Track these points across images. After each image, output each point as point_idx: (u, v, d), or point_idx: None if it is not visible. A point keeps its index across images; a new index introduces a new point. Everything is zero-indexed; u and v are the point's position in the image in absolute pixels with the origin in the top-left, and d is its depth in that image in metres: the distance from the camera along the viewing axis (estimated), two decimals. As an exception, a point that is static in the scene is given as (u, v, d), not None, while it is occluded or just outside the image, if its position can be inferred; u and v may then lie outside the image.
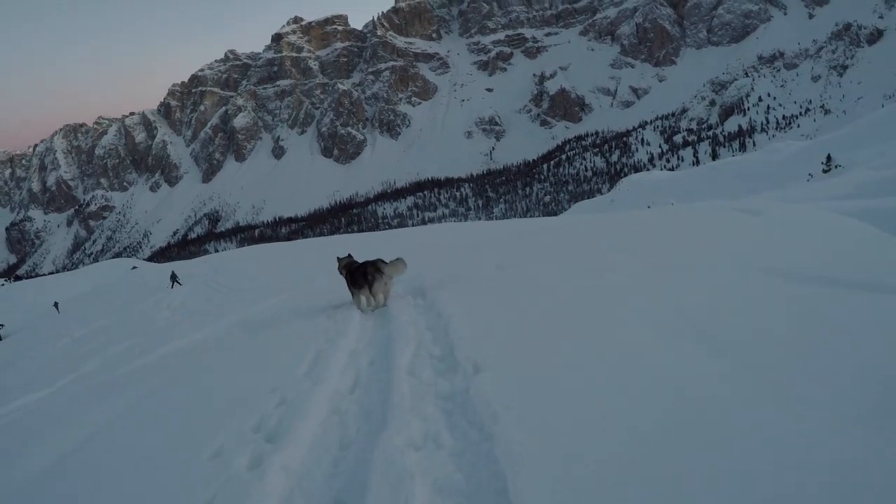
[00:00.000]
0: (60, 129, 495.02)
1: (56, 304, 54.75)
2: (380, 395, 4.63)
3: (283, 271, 22.59)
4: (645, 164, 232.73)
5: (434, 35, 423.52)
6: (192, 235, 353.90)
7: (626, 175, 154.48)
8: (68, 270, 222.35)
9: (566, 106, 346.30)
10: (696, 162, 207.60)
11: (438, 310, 6.61)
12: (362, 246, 25.66)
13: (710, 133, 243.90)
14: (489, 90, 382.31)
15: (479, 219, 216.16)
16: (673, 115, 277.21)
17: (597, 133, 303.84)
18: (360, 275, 8.24)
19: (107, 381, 8.91)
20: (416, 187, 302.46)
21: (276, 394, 4.95)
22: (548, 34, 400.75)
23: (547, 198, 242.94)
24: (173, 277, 36.98)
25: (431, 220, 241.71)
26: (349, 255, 9.12)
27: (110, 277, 72.62)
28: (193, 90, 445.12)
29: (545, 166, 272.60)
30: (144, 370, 8.62)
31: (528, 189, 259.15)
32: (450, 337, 5.47)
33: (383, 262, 8.29)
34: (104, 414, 6.09)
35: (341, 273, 8.83)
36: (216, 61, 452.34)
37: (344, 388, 4.99)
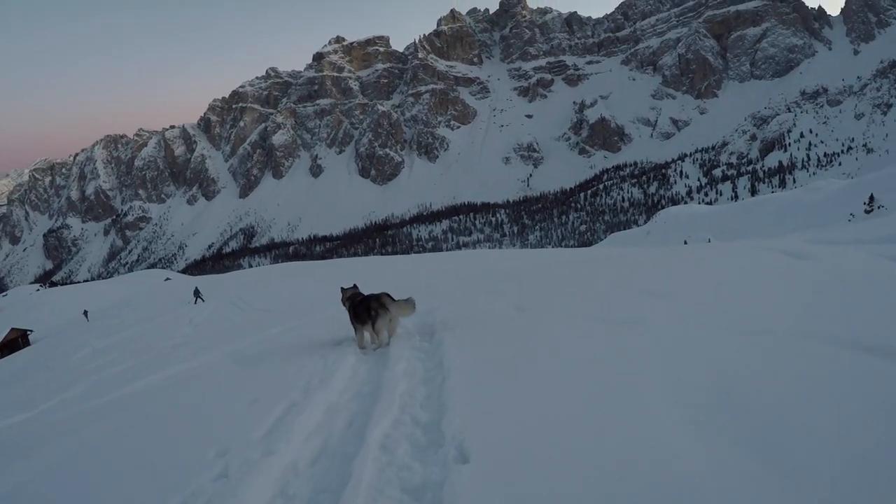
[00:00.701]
0: (101, 140, 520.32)
1: (86, 313, 59.73)
2: (340, 476, 4.07)
3: (307, 292, 23.62)
4: (683, 197, 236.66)
5: (475, 59, 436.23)
6: (227, 249, 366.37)
7: (663, 207, 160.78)
8: (103, 279, 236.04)
9: (605, 135, 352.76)
10: (735, 197, 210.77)
11: (440, 357, 6.28)
12: (388, 270, 29.50)
13: (750, 168, 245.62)
14: (529, 116, 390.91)
15: (514, 245, 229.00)
16: (713, 148, 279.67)
17: (635, 163, 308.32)
18: (363, 309, 8.00)
19: (73, 415, 9.12)
20: (452, 211, 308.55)
21: (220, 461, 4.49)
22: (589, 62, 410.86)
23: (583, 227, 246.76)
24: (196, 293, 39.13)
25: (466, 245, 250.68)
26: (354, 286, 8.98)
27: (143, 288, 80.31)
28: (234, 106, 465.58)
29: (582, 195, 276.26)
30: (113, 405, 8.85)
31: (564, 217, 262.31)
32: (443, 398, 4.98)
33: (390, 297, 8.00)
34: (33, 464, 6.09)
35: (344, 305, 8.63)
36: (257, 78, 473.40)
37: (304, 460, 4.42)
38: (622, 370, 5.18)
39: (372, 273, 28.72)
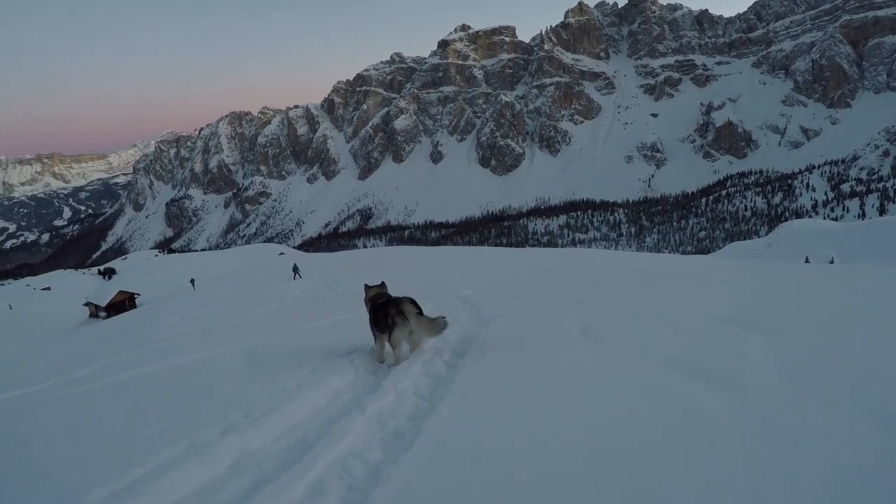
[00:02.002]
0: (226, 116, 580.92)
1: (192, 281, 64.91)
2: None
3: (405, 277, 23.39)
4: (807, 211, 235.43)
5: (602, 54, 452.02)
6: (344, 229, 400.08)
7: (786, 220, 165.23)
8: (220, 249, 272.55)
9: (731, 140, 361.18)
10: (862, 215, 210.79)
11: (445, 400, 5.41)
12: (489, 261, 29.06)
13: (881, 185, 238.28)
14: (654, 115, 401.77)
15: (630, 247, 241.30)
16: (843, 161, 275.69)
17: (761, 171, 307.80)
18: (382, 315, 7.30)
19: (47, 400, 8.61)
20: (570, 207, 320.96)
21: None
22: (719, 63, 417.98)
23: (702, 233, 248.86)
24: (295, 269, 41.69)
25: (582, 243, 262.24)
26: (381, 284, 8.24)
27: (255, 261, 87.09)
28: (357, 89, 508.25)
29: (703, 200, 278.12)
30: (90, 394, 8.38)
31: (683, 222, 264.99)
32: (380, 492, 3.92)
33: (413, 305, 7.27)
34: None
35: (366, 305, 7.89)
36: (382, 62, 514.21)
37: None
38: (707, 467, 3.89)
39: (471, 262, 28.95)
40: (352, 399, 6.05)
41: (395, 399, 5.74)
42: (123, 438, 5.36)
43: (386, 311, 7.25)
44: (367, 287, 8.20)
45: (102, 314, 68.33)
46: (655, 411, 4.73)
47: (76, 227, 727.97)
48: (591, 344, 6.98)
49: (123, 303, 70.20)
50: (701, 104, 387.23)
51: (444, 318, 7.42)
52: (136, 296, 73.10)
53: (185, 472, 4.41)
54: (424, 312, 7.95)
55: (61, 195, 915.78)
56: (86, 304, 75.40)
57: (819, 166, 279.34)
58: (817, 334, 6.52)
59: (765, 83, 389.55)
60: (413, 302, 7.30)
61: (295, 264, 45.65)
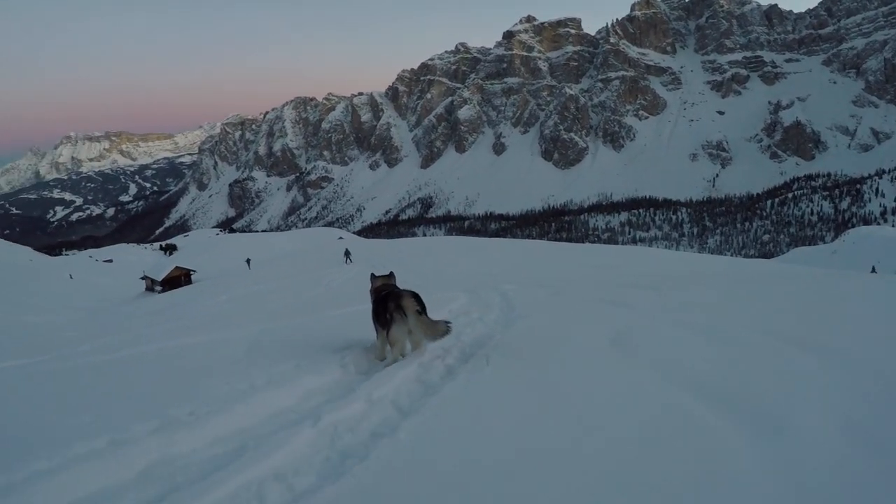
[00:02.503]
0: (291, 101, 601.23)
1: (248, 261, 67.28)
2: None
3: (454, 269, 23.12)
4: (876, 218, 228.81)
5: (668, 48, 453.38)
6: (404, 217, 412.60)
7: (853, 226, 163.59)
8: (281, 231, 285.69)
9: (799, 140, 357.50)
10: None
11: (412, 417, 4.79)
12: (543, 257, 28.76)
13: None
14: (720, 113, 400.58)
15: (692, 248, 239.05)
16: None
17: (829, 175, 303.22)
18: (382, 308, 6.74)
19: (24, 373, 8.98)
20: (632, 204, 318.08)
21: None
22: (788, 60, 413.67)
23: (766, 236, 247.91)
24: (346, 254, 42.86)
25: (643, 241, 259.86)
26: (390, 275, 7.65)
27: (313, 244, 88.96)
28: (422, 78, 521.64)
29: (769, 202, 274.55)
30: (70, 371, 8.44)
31: (747, 224, 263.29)
32: None
33: (415, 300, 6.60)
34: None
35: (371, 297, 7.31)
36: (446, 52, 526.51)
37: None
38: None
39: (523, 256, 28.66)
40: (322, 403, 5.45)
41: (365, 409, 5.18)
42: (54, 424, 5.09)
43: (386, 304, 6.73)
44: (373, 277, 7.65)
45: (158, 288, 71.44)
46: (664, 460, 3.89)
47: (141, 203, 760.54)
48: (615, 358, 6.12)
49: (179, 278, 73.63)
50: (769, 103, 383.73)
51: (448, 322, 6.75)
52: (192, 272, 76.53)
53: (87, 472, 4.00)
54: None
55: (128, 172, 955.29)
56: (143, 278, 79.49)
57: (889, 171, 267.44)
58: (884, 360, 5.47)
59: (835, 82, 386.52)
60: (416, 297, 6.67)
61: (347, 249, 47.40)
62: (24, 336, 24.39)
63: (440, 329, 6.56)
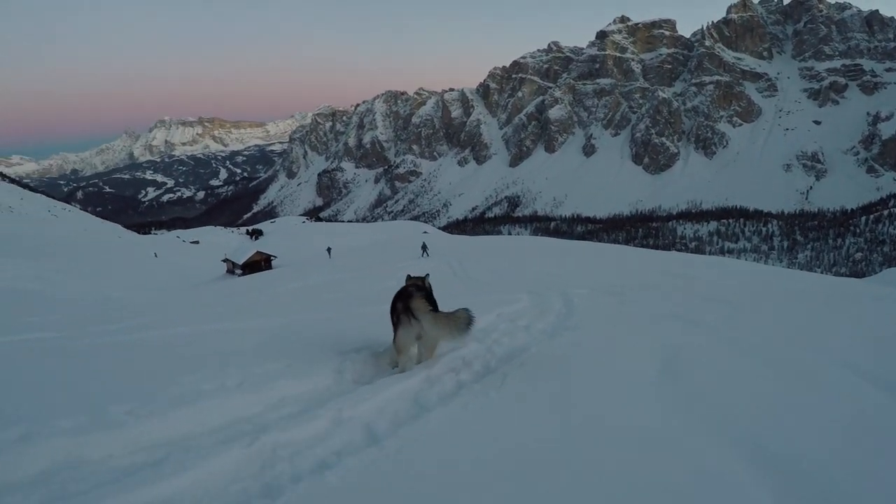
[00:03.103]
0: (382, 94, 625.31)
1: (329, 250, 69.60)
2: None
3: (526, 269, 22.75)
4: None
5: (765, 53, 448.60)
6: (490, 214, 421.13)
7: None
8: (367, 222, 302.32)
9: None
10: None
11: (357, 456, 4.16)
12: (632, 260, 27.01)
13: None
14: (817, 123, 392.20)
15: (781, 262, 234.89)
16: None
17: None
18: (392, 308, 6.54)
19: (29, 347, 9.44)
20: (722, 213, 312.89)
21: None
22: (889, 69, 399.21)
23: (858, 255, 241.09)
24: (423, 247, 45.26)
25: (731, 252, 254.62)
26: (426, 276, 7.24)
27: (397, 236, 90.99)
28: (513, 76, 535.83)
29: (863, 219, 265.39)
30: (71, 350, 8.71)
31: (839, 240, 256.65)
32: None
33: (424, 298, 6.31)
34: None
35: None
36: (539, 51, 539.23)
37: None
38: None
39: (604, 261, 26.80)
40: (288, 416, 5.00)
41: (326, 429, 4.59)
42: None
43: (395, 305, 6.45)
44: (407, 277, 7.19)
45: (238, 272, 72.49)
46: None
47: (230, 188, 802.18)
48: (658, 395, 5.29)
49: (259, 263, 75.27)
50: (868, 114, 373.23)
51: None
52: (272, 258, 78.24)
53: None
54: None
55: (219, 157, 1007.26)
56: (224, 261, 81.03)
57: None
58: None
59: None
60: (423, 294, 6.34)
61: (424, 242, 48.69)
62: (90, 309, 25.34)
63: (459, 323, 6.02)
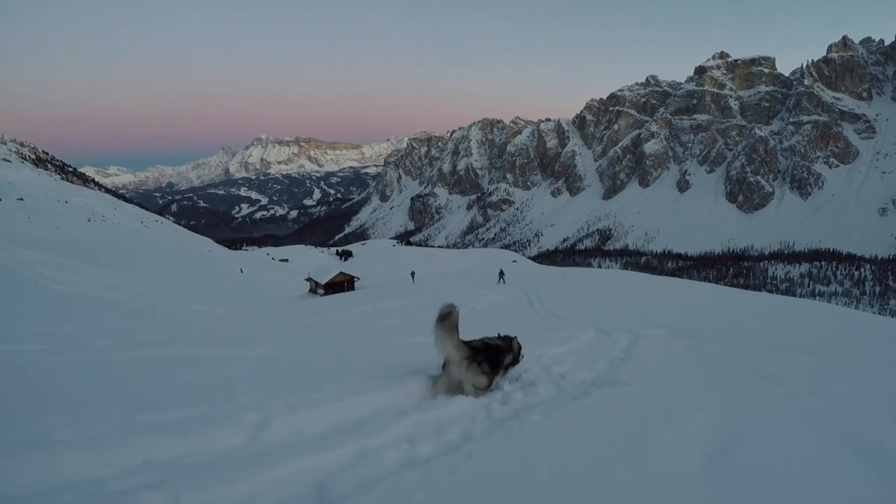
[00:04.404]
0: (478, 122, 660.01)
1: (413, 274, 73.23)
2: None
3: (609, 304, 23.12)
4: None
5: (864, 94, 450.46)
6: (581, 247, 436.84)
7: None
8: (457, 248, 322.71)
9: None
10: None
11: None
12: (720, 299, 26.35)
13: None
14: None
15: (872, 307, 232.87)
16: None
17: None
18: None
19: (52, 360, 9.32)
20: (814, 255, 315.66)
21: None
22: None
23: None
24: (501, 274, 48.62)
25: (822, 295, 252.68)
26: (509, 338, 7.71)
27: (485, 263, 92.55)
28: (610, 108, 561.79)
29: None
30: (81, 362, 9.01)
31: None
32: None
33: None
34: None
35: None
36: (636, 84, 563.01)
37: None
38: None
39: (691, 299, 26.27)
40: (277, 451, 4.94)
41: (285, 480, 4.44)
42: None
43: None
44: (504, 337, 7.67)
45: (320, 291, 74.41)
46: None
47: (323, 208, 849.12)
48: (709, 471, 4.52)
49: (342, 283, 76.68)
50: None
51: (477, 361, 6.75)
52: (355, 279, 79.58)
53: None
54: (538, 356, 8.90)
55: (313, 177, 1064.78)
56: (307, 280, 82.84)
57: None
58: None
59: None
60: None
61: (501, 270, 51.26)
62: (165, 320, 26.20)
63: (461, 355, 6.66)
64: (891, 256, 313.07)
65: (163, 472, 4.31)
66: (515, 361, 7.79)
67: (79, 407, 5.81)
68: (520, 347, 7.86)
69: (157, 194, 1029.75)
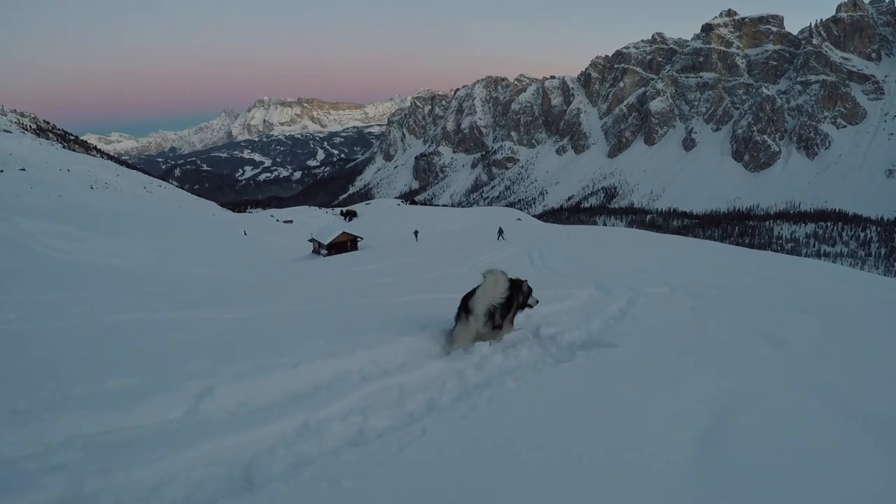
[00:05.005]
0: (482, 80, 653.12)
1: (416, 233, 74.60)
2: None
3: (613, 261, 22.84)
4: None
5: (873, 55, 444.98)
6: (586, 205, 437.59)
7: None
8: (462, 206, 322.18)
9: None
10: None
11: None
12: (729, 258, 26.29)
13: None
14: None
15: (877, 268, 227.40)
16: None
17: None
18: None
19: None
20: (820, 215, 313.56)
21: None
22: None
23: None
24: (500, 232, 49.22)
25: (827, 255, 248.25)
26: (517, 281, 7.65)
27: (488, 221, 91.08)
28: (616, 66, 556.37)
29: None
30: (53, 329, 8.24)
31: None
32: None
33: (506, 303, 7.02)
34: None
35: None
36: (642, 41, 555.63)
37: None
38: None
39: (697, 257, 26.15)
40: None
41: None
42: None
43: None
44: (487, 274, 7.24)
45: (324, 252, 73.71)
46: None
47: (327, 168, 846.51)
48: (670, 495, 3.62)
49: (345, 244, 75.82)
50: None
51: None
52: (358, 239, 79.15)
53: None
54: (535, 314, 8.60)
55: (317, 138, 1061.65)
56: (310, 241, 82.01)
57: None
58: None
59: None
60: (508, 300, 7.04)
61: (500, 227, 52.60)
62: (163, 284, 23.43)
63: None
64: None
65: (82, 450, 3.94)
66: (524, 305, 7.80)
67: (11, 379, 5.36)
68: (530, 290, 7.84)
69: (160, 159, 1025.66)
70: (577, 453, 4.11)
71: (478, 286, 7.06)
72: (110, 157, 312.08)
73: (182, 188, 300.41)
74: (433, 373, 6.00)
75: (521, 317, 8.05)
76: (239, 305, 11.56)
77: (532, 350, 6.97)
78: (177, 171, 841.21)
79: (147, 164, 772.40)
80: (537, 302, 8.15)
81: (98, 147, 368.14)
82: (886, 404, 5.13)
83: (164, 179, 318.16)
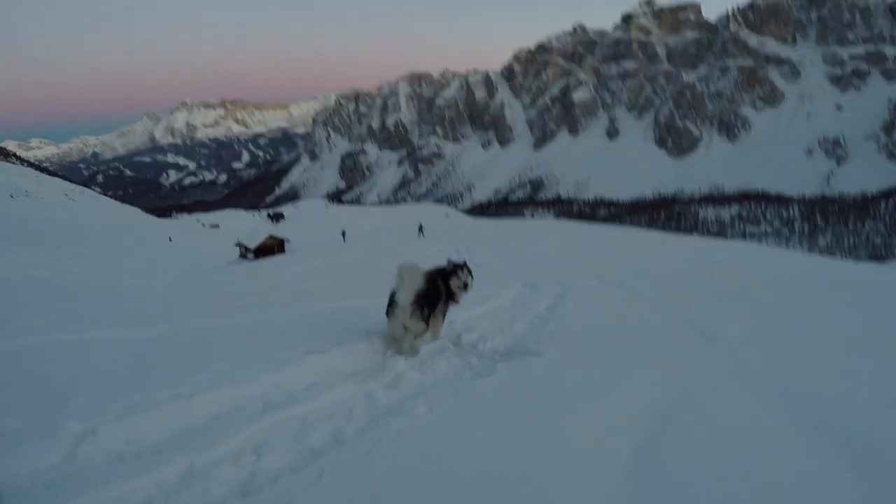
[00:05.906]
0: (406, 76, 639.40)
1: (343, 233, 72.05)
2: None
3: (535, 255, 22.50)
4: None
5: (789, 38, 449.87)
6: (514, 198, 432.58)
7: None
8: (390, 205, 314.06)
9: None
10: None
11: None
12: (654, 246, 25.91)
13: None
14: (839, 108, 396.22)
15: (801, 246, 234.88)
16: None
17: None
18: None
19: None
20: (744, 197, 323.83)
21: None
22: None
23: (878, 239, 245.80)
24: (420, 229, 49.51)
25: (752, 236, 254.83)
26: (461, 264, 7.39)
27: (416, 219, 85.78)
28: (538, 57, 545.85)
29: (883, 204, 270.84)
30: None
31: (858, 225, 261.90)
32: None
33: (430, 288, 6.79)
34: None
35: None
36: (563, 33, 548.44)
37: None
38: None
39: (623, 247, 25.88)
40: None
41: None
42: None
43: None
44: (448, 262, 7.35)
45: (250, 256, 72.55)
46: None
47: (253, 170, 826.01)
48: None
49: (272, 247, 74.54)
50: (889, 99, 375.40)
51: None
52: (286, 241, 77.79)
53: None
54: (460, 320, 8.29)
55: (241, 140, 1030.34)
56: (237, 245, 79.09)
57: None
58: None
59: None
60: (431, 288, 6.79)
61: (420, 224, 53.96)
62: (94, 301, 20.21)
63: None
64: (818, 196, 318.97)
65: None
66: (464, 287, 7.42)
67: None
68: (469, 271, 7.46)
69: (82, 165, 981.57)
70: (492, 492, 3.66)
71: (400, 281, 6.74)
72: (30, 164, 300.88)
73: (105, 194, 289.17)
74: (341, 396, 5.62)
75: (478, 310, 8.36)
76: (151, 323, 10.30)
77: (451, 362, 6.66)
78: (99, 177, 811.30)
79: (69, 171, 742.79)
80: (470, 277, 7.39)
81: (17, 154, 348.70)
82: (823, 398, 5.06)
83: (86, 186, 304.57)
